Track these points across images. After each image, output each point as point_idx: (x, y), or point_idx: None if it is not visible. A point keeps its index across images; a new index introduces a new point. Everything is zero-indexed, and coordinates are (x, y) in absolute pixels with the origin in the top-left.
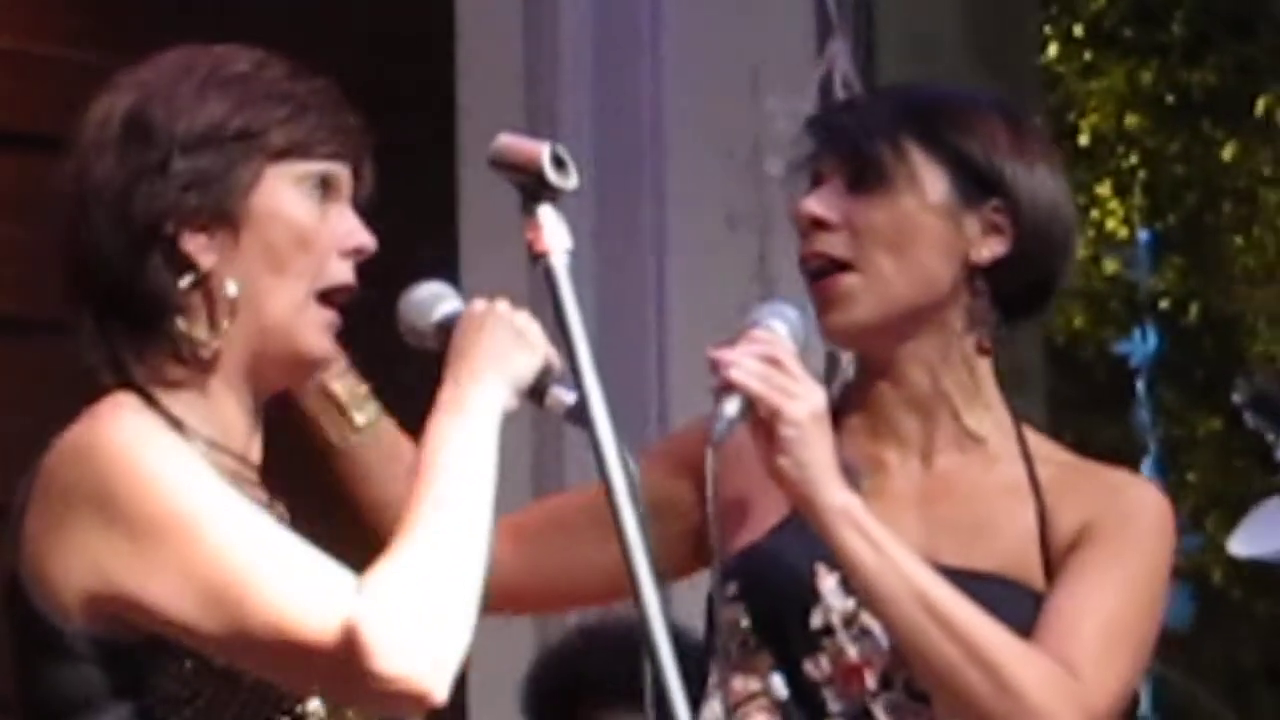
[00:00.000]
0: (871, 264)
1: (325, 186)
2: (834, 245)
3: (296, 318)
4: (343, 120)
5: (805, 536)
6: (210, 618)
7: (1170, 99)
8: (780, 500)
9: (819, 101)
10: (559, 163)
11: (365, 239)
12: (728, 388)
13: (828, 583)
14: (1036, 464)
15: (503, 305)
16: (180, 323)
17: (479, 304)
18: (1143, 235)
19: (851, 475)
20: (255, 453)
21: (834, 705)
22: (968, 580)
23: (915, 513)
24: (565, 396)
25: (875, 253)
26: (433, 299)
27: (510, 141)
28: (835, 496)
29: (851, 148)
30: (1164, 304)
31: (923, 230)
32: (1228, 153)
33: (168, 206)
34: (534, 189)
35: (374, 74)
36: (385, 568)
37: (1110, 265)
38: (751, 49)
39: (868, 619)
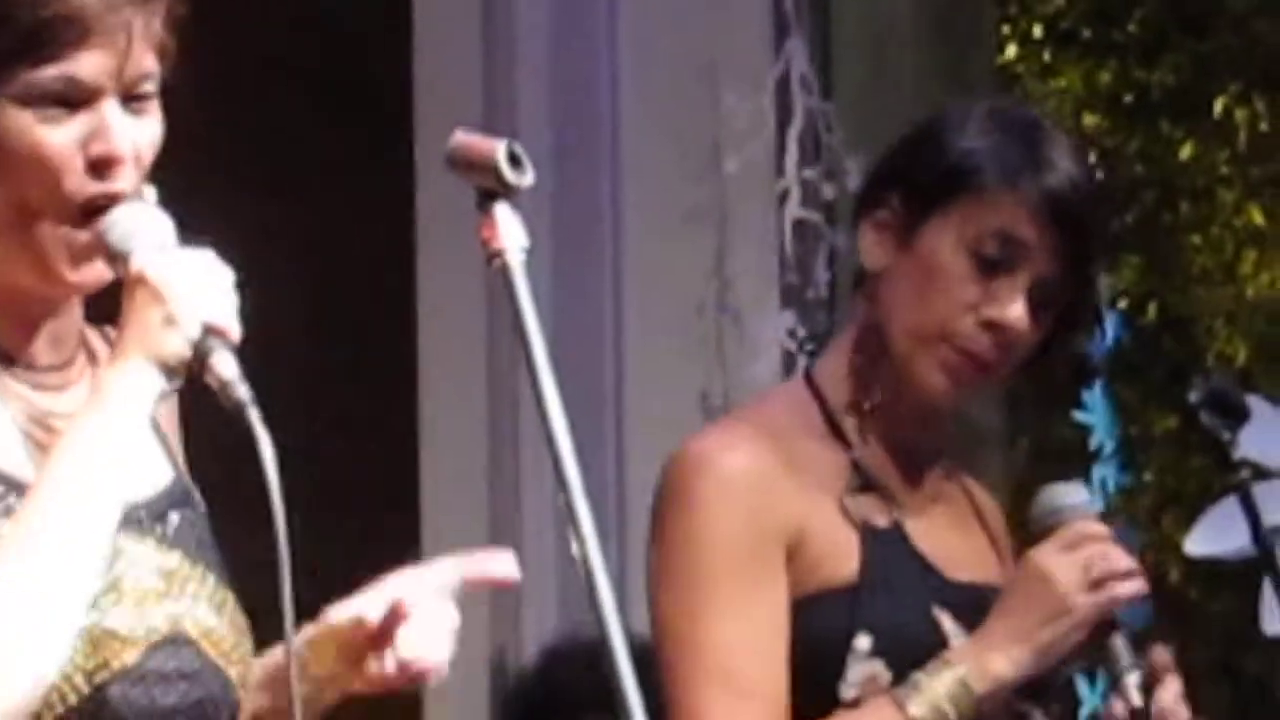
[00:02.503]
0: (1009, 369)
1: (66, 91)
2: (1010, 357)
3: (40, 245)
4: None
5: (907, 574)
6: None
7: (1128, 99)
8: (845, 533)
9: (775, 99)
10: (515, 160)
11: (112, 144)
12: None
13: (949, 627)
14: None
15: (157, 266)
16: None
17: (137, 255)
18: None
19: (892, 496)
20: (48, 348)
21: None
22: (991, 595)
23: (953, 530)
24: (223, 370)
25: (1016, 363)
26: (127, 228)
27: (466, 140)
28: None
29: (1075, 272)
30: (1122, 303)
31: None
32: (1185, 152)
33: None
34: (490, 186)
35: (329, 73)
36: None
37: None
38: (709, 46)
39: None
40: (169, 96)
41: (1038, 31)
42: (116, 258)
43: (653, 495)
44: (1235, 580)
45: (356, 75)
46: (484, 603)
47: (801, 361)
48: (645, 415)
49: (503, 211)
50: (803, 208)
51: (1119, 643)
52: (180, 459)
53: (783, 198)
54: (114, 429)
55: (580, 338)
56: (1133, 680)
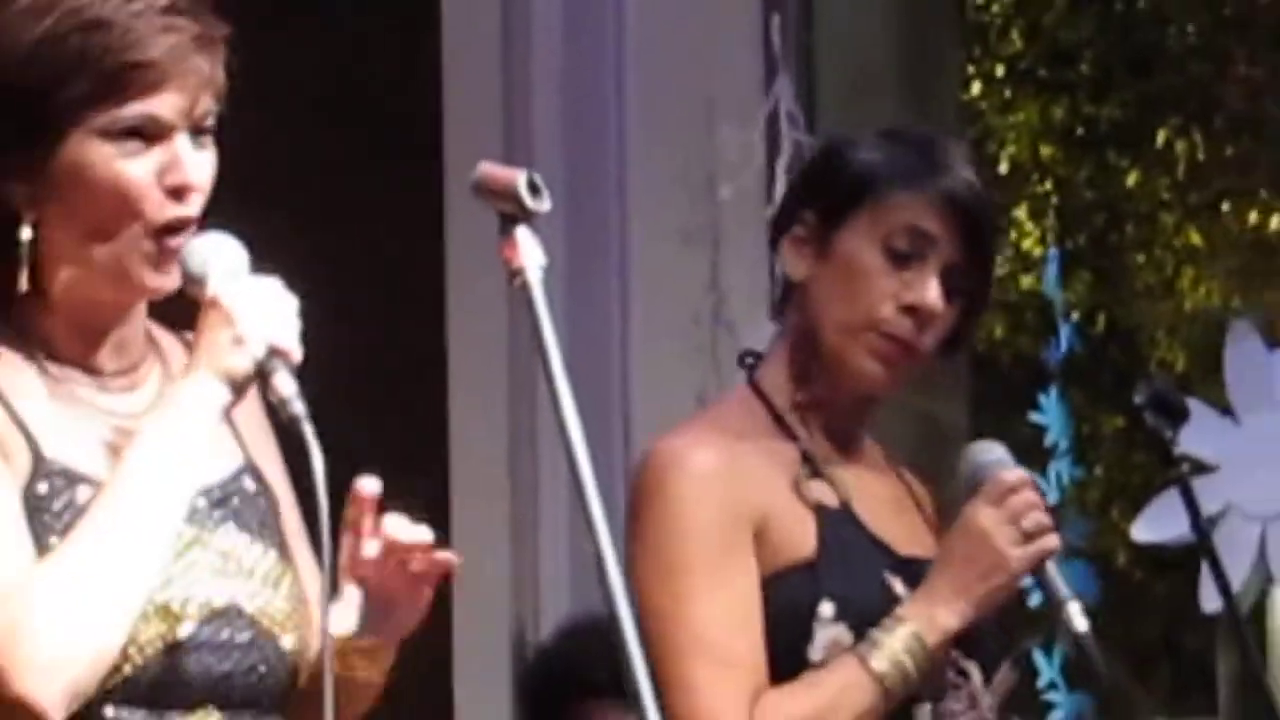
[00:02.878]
0: (929, 350)
1: (147, 128)
2: (928, 340)
3: (123, 257)
4: (164, 44)
5: (859, 547)
6: None
7: (1079, 132)
8: (801, 514)
9: (765, 133)
10: (533, 188)
11: (186, 176)
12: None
13: (901, 591)
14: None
15: (230, 292)
16: (18, 261)
17: (210, 286)
18: (1054, 253)
19: (838, 481)
20: (113, 355)
21: (926, 695)
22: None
23: (891, 508)
24: (282, 388)
25: (935, 344)
26: (204, 256)
27: (490, 170)
28: None
29: (977, 258)
30: (1074, 315)
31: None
32: (1130, 180)
33: None
34: (511, 212)
35: (368, 111)
36: (35, 583)
37: (1026, 280)
38: (705, 86)
39: None
40: (225, 135)
41: (999, 71)
42: (194, 281)
43: (629, 498)
44: (1176, 564)
45: (392, 113)
46: (506, 587)
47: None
48: (648, 415)
49: (522, 234)
50: None
51: (1053, 575)
52: (257, 449)
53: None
54: (183, 434)
55: (591, 345)
56: (1074, 607)
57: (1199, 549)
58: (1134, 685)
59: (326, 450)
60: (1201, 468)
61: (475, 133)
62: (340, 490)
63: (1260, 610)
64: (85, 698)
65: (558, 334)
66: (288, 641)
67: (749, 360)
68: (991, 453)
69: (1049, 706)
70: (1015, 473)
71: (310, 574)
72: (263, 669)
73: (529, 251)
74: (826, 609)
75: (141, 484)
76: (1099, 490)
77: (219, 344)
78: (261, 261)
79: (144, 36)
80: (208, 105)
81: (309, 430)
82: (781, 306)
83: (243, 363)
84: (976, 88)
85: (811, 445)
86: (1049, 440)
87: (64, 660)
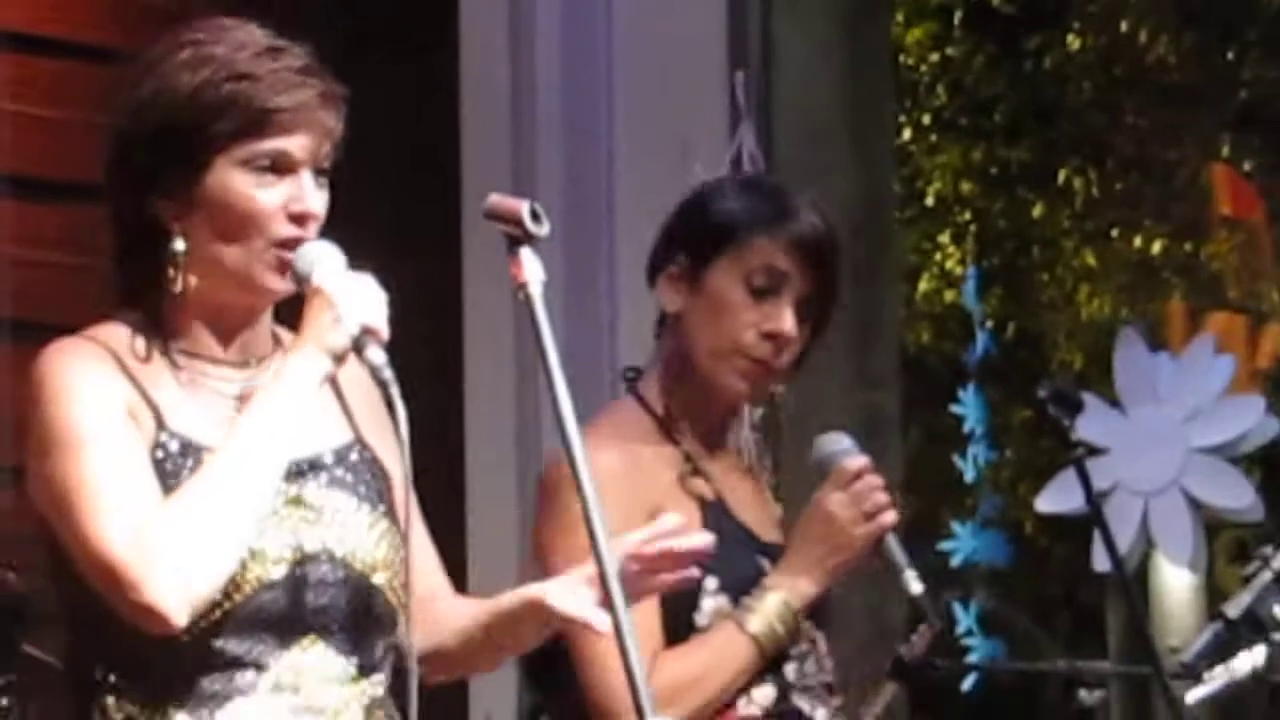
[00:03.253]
0: (787, 367)
1: (279, 162)
2: (785, 361)
3: (250, 264)
4: (298, 97)
5: (733, 533)
6: (57, 522)
7: (994, 171)
8: (686, 506)
9: (731, 170)
10: (536, 215)
11: (306, 206)
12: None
13: (769, 569)
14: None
15: (331, 283)
16: (166, 266)
17: (315, 279)
18: (973, 272)
19: (713, 478)
20: (238, 351)
21: (794, 654)
22: (779, 552)
23: (752, 501)
24: (374, 358)
25: (792, 362)
26: (312, 259)
27: (499, 199)
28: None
29: (825, 291)
30: (989, 324)
31: None
32: (1036, 211)
33: (142, 178)
34: (517, 235)
35: (399, 148)
36: (163, 513)
37: (949, 295)
38: (681, 130)
39: None
40: None
41: (926, 120)
42: (301, 279)
43: (537, 499)
44: (1074, 531)
45: (417, 150)
46: (514, 550)
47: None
48: None
49: (526, 254)
50: None
51: (893, 547)
52: (370, 432)
53: None
54: (289, 397)
55: (584, 349)
56: (910, 575)
57: (1092, 519)
58: (1039, 632)
59: None
60: (1095, 451)
61: (487, 168)
62: None
63: (1144, 570)
64: (200, 610)
65: (556, 339)
66: (379, 578)
67: (629, 375)
68: (839, 443)
69: (966, 650)
70: (858, 460)
71: (423, 544)
72: (356, 603)
73: (532, 269)
74: (711, 583)
75: (254, 435)
76: (1010, 470)
77: (322, 323)
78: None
79: (282, 88)
80: (327, 151)
81: (396, 392)
82: (659, 332)
83: (341, 339)
84: (908, 134)
85: (689, 447)
86: (967, 428)
87: (185, 575)
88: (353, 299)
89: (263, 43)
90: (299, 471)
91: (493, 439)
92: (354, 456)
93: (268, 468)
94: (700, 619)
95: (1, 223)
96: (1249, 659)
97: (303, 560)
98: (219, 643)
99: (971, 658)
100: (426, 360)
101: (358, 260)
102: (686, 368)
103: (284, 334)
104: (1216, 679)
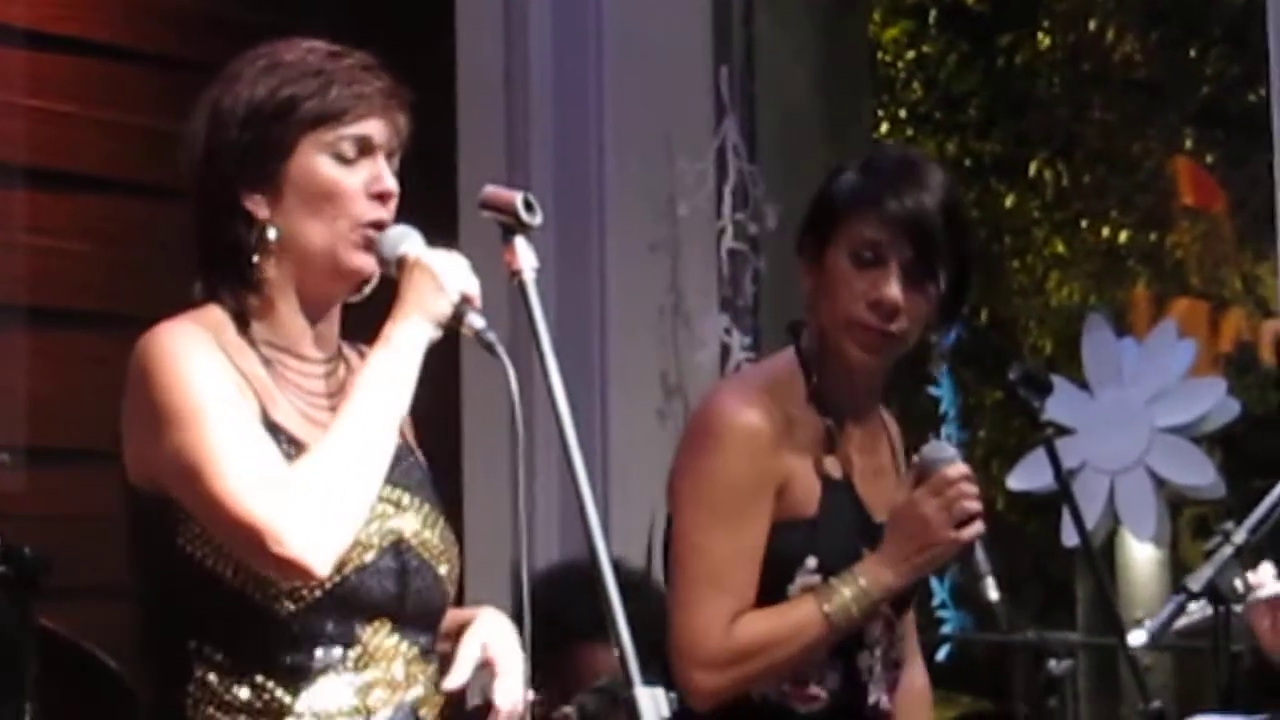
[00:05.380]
0: (908, 334)
1: (358, 146)
2: (898, 327)
3: (336, 244)
4: (369, 88)
5: (849, 515)
6: (186, 492)
7: (967, 163)
8: (813, 481)
9: (715, 162)
10: (529, 206)
11: (386, 185)
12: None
13: (867, 553)
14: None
15: (428, 256)
16: (253, 257)
17: (411, 253)
18: None
19: (846, 459)
20: (314, 345)
21: (870, 642)
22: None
23: (878, 478)
24: (476, 322)
25: (913, 329)
26: (399, 237)
27: (494, 190)
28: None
29: (927, 256)
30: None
31: (934, 308)
32: (1008, 202)
33: (230, 175)
34: (511, 224)
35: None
36: (297, 471)
37: None
38: (667, 124)
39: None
40: None
41: (902, 114)
42: (387, 261)
43: (685, 431)
44: (1043, 507)
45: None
46: (507, 525)
47: (734, 351)
48: (621, 390)
49: (520, 243)
50: (735, 241)
51: (980, 557)
52: (410, 434)
53: (720, 234)
54: (399, 362)
55: (575, 333)
56: (989, 582)
57: (1061, 496)
58: (1010, 605)
59: None
60: (1063, 431)
61: (482, 160)
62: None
63: (1110, 545)
64: (341, 562)
65: (548, 323)
66: (443, 569)
67: (794, 327)
68: (944, 451)
69: (940, 622)
70: (957, 469)
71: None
72: (425, 591)
73: (525, 257)
74: (811, 562)
75: (371, 400)
76: (982, 449)
77: (425, 292)
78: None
79: (357, 80)
80: (397, 141)
81: (502, 350)
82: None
83: (444, 306)
84: (885, 127)
85: (833, 422)
86: (942, 409)
87: (326, 528)
88: (449, 268)
89: (327, 48)
90: None
91: (488, 417)
92: (410, 457)
93: (389, 428)
94: (792, 591)
95: (17, 213)
96: (1198, 609)
97: (389, 548)
98: (315, 621)
99: (945, 630)
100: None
101: None
102: (825, 343)
103: (346, 347)
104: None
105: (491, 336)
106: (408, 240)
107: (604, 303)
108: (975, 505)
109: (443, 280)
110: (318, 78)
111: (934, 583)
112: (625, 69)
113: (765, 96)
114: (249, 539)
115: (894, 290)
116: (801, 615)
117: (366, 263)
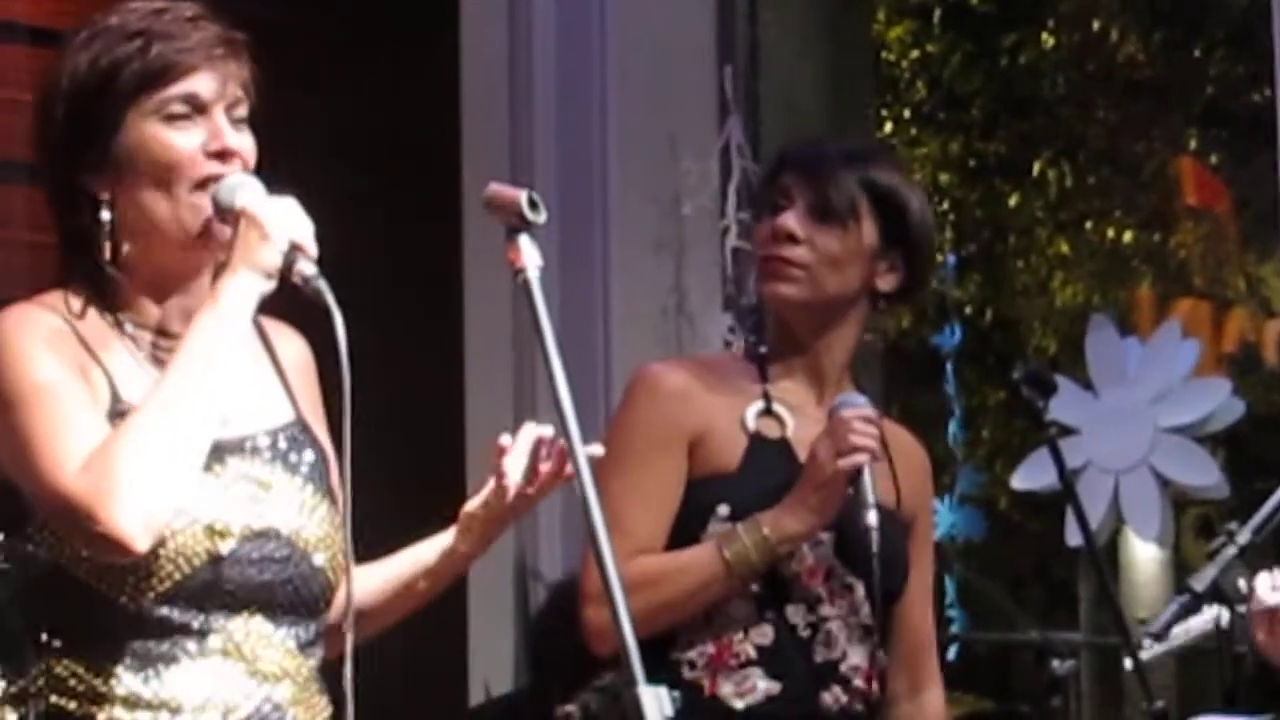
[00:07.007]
0: (815, 270)
1: (188, 104)
2: (797, 254)
3: (180, 212)
4: (190, 41)
5: (780, 472)
6: (19, 475)
7: (971, 163)
8: (737, 437)
9: (719, 162)
10: (533, 204)
11: (225, 142)
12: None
13: None
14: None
15: (254, 205)
16: (99, 238)
17: (240, 200)
18: (951, 259)
19: (785, 421)
20: (182, 322)
21: (798, 598)
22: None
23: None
24: (306, 270)
25: (821, 267)
26: (233, 187)
27: (498, 189)
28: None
29: (822, 187)
30: (966, 309)
31: (854, 258)
32: (1012, 201)
33: (64, 159)
34: (515, 223)
35: (402, 141)
36: (109, 444)
37: None
38: (671, 124)
39: (822, 534)
40: (306, 154)
41: (907, 114)
42: (224, 211)
43: None
44: (1047, 507)
45: (421, 145)
46: (510, 540)
47: (737, 350)
48: (624, 386)
49: (524, 241)
50: (738, 240)
51: (865, 485)
52: (305, 405)
53: (724, 233)
54: (227, 321)
55: (580, 332)
56: (871, 515)
57: (1065, 496)
58: (1013, 604)
59: (372, 407)
60: (1067, 431)
61: (487, 159)
62: (383, 429)
63: (1114, 545)
64: (159, 531)
65: (552, 322)
66: (319, 559)
67: (743, 340)
68: (853, 400)
69: (950, 621)
70: (852, 410)
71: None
72: (298, 581)
73: (530, 255)
74: (723, 510)
75: (196, 358)
76: (986, 449)
77: (250, 243)
78: (319, 265)
79: (177, 33)
80: (237, 93)
81: (330, 297)
82: None
83: (271, 256)
84: (889, 127)
85: (776, 389)
86: (946, 409)
87: (143, 501)
88: (278, 218)
89: (151, 6)
90: (246, 449)
91: (491, 420)
92: (297, 435)
93: (212, 390)
94: (705, 539)
95: (19, 209)
96: (1203, 621)
97: (252, 536)
98: (166, 610)
99: (953, 630)
100: (428, 343)
101: (360, 249)
102: (763, 305)
103: (265, 321)
104: (1174, 639)
105: (321, 284)
106: (242, 190)
107: (608, 302)
108: (864, 440)
109: (269, 229)
110: (136, 39)
111: (948, 584)
112: (629, 68)
113: (769, 96)
114: (67, 517)
115: (789, 220)
116: (695, 554)
117: (200, 225)
